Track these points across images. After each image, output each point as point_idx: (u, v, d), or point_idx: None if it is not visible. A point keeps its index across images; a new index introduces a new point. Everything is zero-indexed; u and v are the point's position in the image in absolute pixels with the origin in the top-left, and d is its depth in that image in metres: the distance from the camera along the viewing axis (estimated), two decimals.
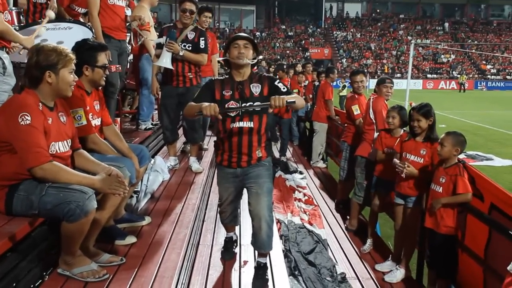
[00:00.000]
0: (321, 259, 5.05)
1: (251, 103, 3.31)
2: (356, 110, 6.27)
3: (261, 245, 3.54)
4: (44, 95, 2.77)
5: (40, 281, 2.71)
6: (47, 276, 2.77)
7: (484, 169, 9.73)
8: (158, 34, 5.57)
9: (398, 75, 46.25)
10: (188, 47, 5.09)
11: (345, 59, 52.15)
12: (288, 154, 10.44)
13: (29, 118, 2.58)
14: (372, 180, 5.44)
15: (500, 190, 3.78)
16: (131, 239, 3.38)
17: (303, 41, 55.54)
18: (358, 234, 5.96)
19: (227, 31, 53.50)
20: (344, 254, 5.38)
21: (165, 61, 4.91)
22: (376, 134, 5.54)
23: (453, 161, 4.07)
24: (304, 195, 7.52)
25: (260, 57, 3.24)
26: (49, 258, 2.86)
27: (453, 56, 53.62)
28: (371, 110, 5.70)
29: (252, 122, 3.38)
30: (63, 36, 3.87)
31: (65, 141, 2.87)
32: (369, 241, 5.51)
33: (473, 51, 49.95)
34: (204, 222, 4.66)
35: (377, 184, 5.33)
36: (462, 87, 42.98)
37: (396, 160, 4.64)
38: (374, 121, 5.68)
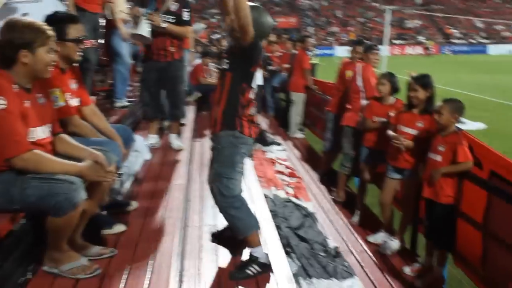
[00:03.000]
0: (312, 234, 4.92)
1: None
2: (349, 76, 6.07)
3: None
4: (20, 77, 2.44)
5: (24, 278, 2.46)
6: (32, 275, 2.52)
7: None
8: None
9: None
10: (172, 19, 4.80)
11: (311, 27, 51.88)
12: (265, 125, 10.26)
13: (4, 103, 2.27)
14: (360, 150, 5.30)
15: (499, 157, 3.71)
16: (120, 227, 3.15)
17: (268, 10, 54.90)
18: (345, 205, 5.86)
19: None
20: (334, 227, 5.26)
21: (142, 30, 4.59)
22: (364, 102, 5.38)
23: (452, 128, 3.94)
24: (286, 167, 7.36)
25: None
26: (34, 256, 2.60)
27: (419, 22, 54.01)
28: (358, 77, 5.53)
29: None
30: (31, 10, 3.54)
31: (44, 126, 2.57)
32: (358, 212, 5.40)
33: (438, 14, 50.51)
34: (189, 202, 4.43)
35: (366, 154, 5.18)
36: (429, 52, 43.38)
37: (391, 132, 4.45)
38: (361, 89, 5.51)
